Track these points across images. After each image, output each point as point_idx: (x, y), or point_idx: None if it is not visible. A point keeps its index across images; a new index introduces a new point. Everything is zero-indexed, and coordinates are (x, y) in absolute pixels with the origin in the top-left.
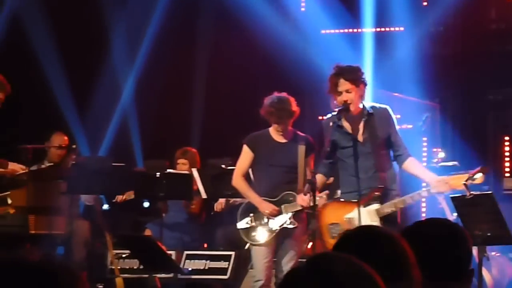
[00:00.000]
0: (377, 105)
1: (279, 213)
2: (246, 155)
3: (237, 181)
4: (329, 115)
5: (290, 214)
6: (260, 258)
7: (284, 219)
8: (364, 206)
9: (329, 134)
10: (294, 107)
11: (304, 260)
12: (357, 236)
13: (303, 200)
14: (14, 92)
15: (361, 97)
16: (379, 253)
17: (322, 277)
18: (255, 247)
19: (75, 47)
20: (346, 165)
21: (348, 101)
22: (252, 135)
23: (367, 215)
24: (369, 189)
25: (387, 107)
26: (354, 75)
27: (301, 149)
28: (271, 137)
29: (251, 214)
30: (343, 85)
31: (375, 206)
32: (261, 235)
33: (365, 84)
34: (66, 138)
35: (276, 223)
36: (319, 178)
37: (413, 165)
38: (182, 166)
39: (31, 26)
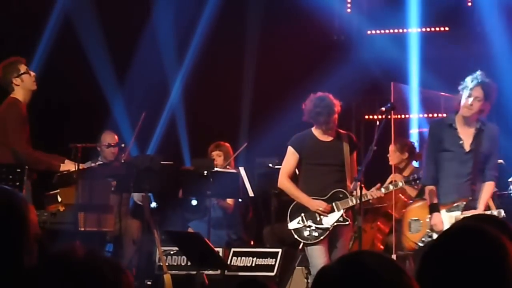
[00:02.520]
0: (490, 124)
1: (331, 210)
2: (291, 156)
3: (284, 182)
4: (437, 120)
5: (342, 211)
6: (318, 257)
7: (337, 216)
8: (447, 211)
9: (438, 139)
10: (337, 103)
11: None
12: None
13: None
14: (65, 92)
15: (482, 111)
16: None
17: (353, 272)
18: (312, 246)
19: (124, 46)
20: (444, 167)
21: (473, 107)
22: (296, 136)
23: (447, 220)
24: (457, 195)
25: (497, 127)
26: (491, 90)
27: (346, 146)
28: (316, 137)
29: (302, 214)
30: (477, 91)
31: (456, 213)
32: (315, 233)
33: (491, 103)
34: (116, 136)
35: (329, 221)
36: (432, 190)
37: (483, 188)
38: (217, 158)
39: (81, 26)
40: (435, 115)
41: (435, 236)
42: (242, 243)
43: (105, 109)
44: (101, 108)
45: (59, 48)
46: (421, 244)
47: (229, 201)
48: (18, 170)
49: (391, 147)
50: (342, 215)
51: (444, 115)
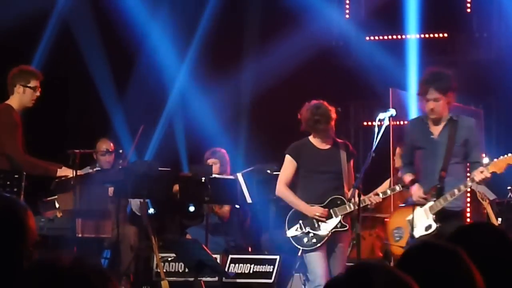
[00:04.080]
0: (464, 116)
1: (329, 215)
2: (289, 164)
3: (281, 190)
4: (414, 118)
5: (340, 217)
6: (318, 263)
7: (335, 222)
8: (421, 206)
9: (412, 139)
10: (332, 110)
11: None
12: (420, 253)
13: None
14: (63, 98)
15: (449, 103)
16: (442, 269)
17: (360, 286)
18: (311, 253)
19: (122, 51)
20: (421, 165)
21: (435, 109)
22: (293, 144)
23: (424, 214)
24: (429, 188)
25: (474, 119)
26: (444, 84)
27: (343, 155)
28: (313, 145)
29: (300, 221)
30: (432, 94)
31: (430, 203)
32: (313, 239)
33: (454, 91)
34: (112, 144)
35: (327, 227)
36: (410, 175)
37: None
38: (213, 166)
39: (78, 30)
40: None
41: (416, 231)
42: (240, 249)
43: (104, 115)
44: (99, 114)
45: (57, 53)
46: None
47: (226, 209)
48: (16, 176)
49: (398, 150)
50: (340, 221)
51: None
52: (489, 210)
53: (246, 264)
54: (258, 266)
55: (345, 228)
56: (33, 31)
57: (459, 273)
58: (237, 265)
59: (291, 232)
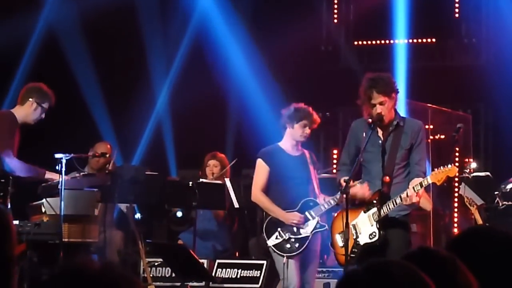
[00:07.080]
0: (411, 119)
1: (306, 218)
2: (262, 169)
3: (257, 196)
4: (360, 120)
5: (317, 218)
6: (292, 267)
7: (314, 223)
8: (365, 212)
9: (357, 140)
10: (316, 118)
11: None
12: (417, 259)
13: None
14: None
15: (394, 105)
16: (438, 276)
17: (380, 280)
18: (288, 258)
19: (111, 57)
20: (366, 170)
21: (382, 113)
22: (265, 149)
23: (367, 221)
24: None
25: (420, 122)
26: (387, 87)
27: (310, 162)
28: (284, 151)
29: (279, 228)
30: (377, 98)
31: (373, 210)
32: (297, 244)
33: (397, 92)
34: (109, 146)
35: (307, 230)
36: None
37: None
38: (213, 168)
39: (66, 38)
40: None
41: (361, 238)
42: (227, 254)
43: (90, 119)
44: (86, 118)
45: (43, 57)
46: (352, 255)
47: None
48: (2, 180)
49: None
50: (318, 222)
51: (431, 126)
52: (476, 215)
53: (233, 269)
54: (245, 271)
55: (325, 228)
56: (23, 37)
57: (456, 280)
58: (224, 270)
59: (272, 241)
